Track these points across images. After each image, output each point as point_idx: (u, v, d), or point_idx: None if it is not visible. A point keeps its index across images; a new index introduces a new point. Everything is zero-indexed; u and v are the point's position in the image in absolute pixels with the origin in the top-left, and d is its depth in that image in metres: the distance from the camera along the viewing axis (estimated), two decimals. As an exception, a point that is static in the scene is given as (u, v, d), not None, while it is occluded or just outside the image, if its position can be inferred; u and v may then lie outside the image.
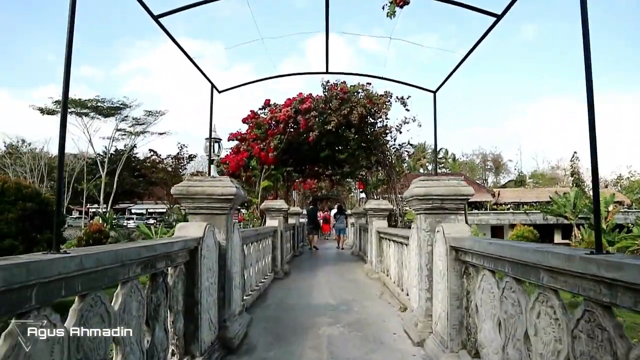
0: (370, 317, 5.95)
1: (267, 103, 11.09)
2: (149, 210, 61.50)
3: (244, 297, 6.39)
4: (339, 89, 10.19)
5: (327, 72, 5.69)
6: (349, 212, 21.15)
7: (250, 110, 11.08)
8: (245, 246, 6.76)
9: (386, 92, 10.44)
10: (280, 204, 10.37)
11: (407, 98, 10.43)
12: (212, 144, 7.64)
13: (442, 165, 74.15)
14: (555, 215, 36.88)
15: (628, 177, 65.32)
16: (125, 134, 55.09)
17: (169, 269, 3.58)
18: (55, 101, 45.55)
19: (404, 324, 5.44)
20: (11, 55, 78.54)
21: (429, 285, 4.75)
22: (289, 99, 10.57)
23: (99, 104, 49.17)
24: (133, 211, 63.29)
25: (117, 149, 58.09)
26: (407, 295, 6.60)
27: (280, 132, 10.60)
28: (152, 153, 58.01)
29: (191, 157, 47.23)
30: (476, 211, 47.58)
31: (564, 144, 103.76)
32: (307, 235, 19.21)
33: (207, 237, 4.18)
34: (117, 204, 60.23)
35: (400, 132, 10.49)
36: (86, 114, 49.57)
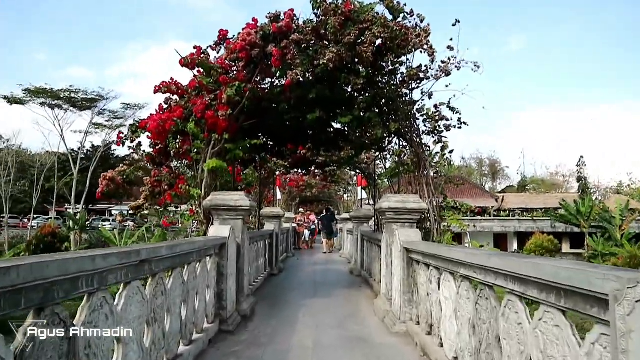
0: None
1: (223, 35, 6.67)
2: (129, 212, 58.01)
3: None
4: (340, 0, 5.89)
5: None
6: (346, 215, 17.18)
7: (195, 47, 6.74)
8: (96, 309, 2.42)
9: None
10: (237, 198, 6.01)
11: (454, 24, 6.15)
12: None
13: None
14: (564, 223, 33.83)
15: (629, 185, 62.87)
16: (99, 128, 50.39)
17: None
18: (25, 89, 41.24)
19: None
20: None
21: None
22: (254, 18, 6.23)
23: (72, 94, 44.61)
24: (113, 212, 60.08)
25: (93, 145, 53.71)
26: None
27: (242, 79, 6.28)
28: (132, 150, 53.58)
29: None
30: (478, 217, 43.68)
31: (559, 151, 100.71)
32: (322, 239, 19.39)
33: None
34: (95, 205, 55.85)
35: (449, 74, 6.14)
36: (59, 106, 45.11)
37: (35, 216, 48.32)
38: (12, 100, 42.71)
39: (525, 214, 46.26)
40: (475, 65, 6.01)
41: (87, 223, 30.84)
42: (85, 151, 50.78)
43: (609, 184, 65.96)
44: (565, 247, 40.40)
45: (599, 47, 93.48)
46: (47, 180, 48.51)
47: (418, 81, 6.38)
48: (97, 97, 45.50)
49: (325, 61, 5.48)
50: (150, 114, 6.37)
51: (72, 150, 49.95)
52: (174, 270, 3.82)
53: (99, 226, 36.37)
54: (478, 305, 3.26)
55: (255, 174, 11.69)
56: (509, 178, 77.27)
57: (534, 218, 43.85)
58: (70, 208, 46.59)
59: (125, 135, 6.60)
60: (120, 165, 7.37)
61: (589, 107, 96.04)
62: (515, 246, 42.27)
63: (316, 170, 14.80)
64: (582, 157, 59.57)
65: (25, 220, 50.85)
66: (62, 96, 44.16)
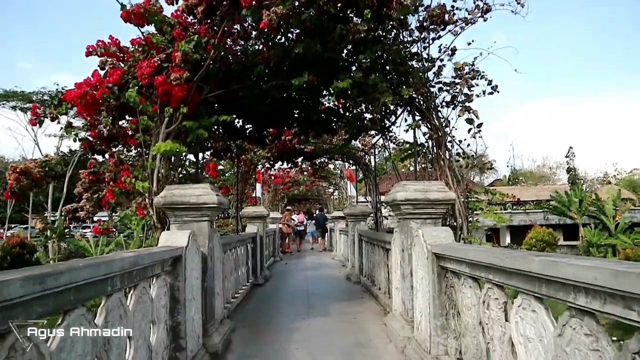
0: None
1: (178, -19, 5.10)
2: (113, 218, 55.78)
3: None
4: None
5: None
6: (338, 213, 15.60)
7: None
8: None
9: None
10: (200, 192, 4.38)
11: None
12: None
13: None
14: (558, 215, 32.90)
15: (614, 175, 62.49)
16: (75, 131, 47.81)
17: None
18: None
19: None
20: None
21: None
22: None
23: (45, 97, 42.40)
24: (96, 219, 57.51)
25: (70, 149, 51.45)
26: None
27: (204, 34, 4.67)
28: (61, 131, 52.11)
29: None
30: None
31: (546, 144, 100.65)
32: (317, 238, 20.82)
33: None
34: (78, 212, 53.21)
35: (488, 10, 4.55)
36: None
37: (12, 225, 46.09)
38: (-18, 106, 40.61)
39: (516, 207, 45.30)
40: (518, 3, 4.44)
41: (66, 231, 28.91)
42: (62, 156, 48.57)
43: (595, 175, 65.65)
44: (559, 239, 39.46)
45: (583, 39, 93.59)
46: (21, 187, 46.20)
47: (442, 26, 4.80)
48: (73, 99, 43.43)
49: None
50: (76, 82, 4.66)
51: (47, 156, 47.75)
52: (69, 313, 2.18)
53: (80, 233, 34.25)
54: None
55: (233, 168, 10.01)
56: (496, 171, 76.60)
57: (527, 210, 42.85)
58: (48, 215, 44.08)
59: (43, 112, 4.89)
60: (45, 155, 5.70)
61: (572, 99, 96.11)
62: (508, 240, 41.26)
63: (303, 164, 13.20)
64: (571, 148, 58.50)
65: (1, 231, 48.72)
66: (34, 99, 42.03)
